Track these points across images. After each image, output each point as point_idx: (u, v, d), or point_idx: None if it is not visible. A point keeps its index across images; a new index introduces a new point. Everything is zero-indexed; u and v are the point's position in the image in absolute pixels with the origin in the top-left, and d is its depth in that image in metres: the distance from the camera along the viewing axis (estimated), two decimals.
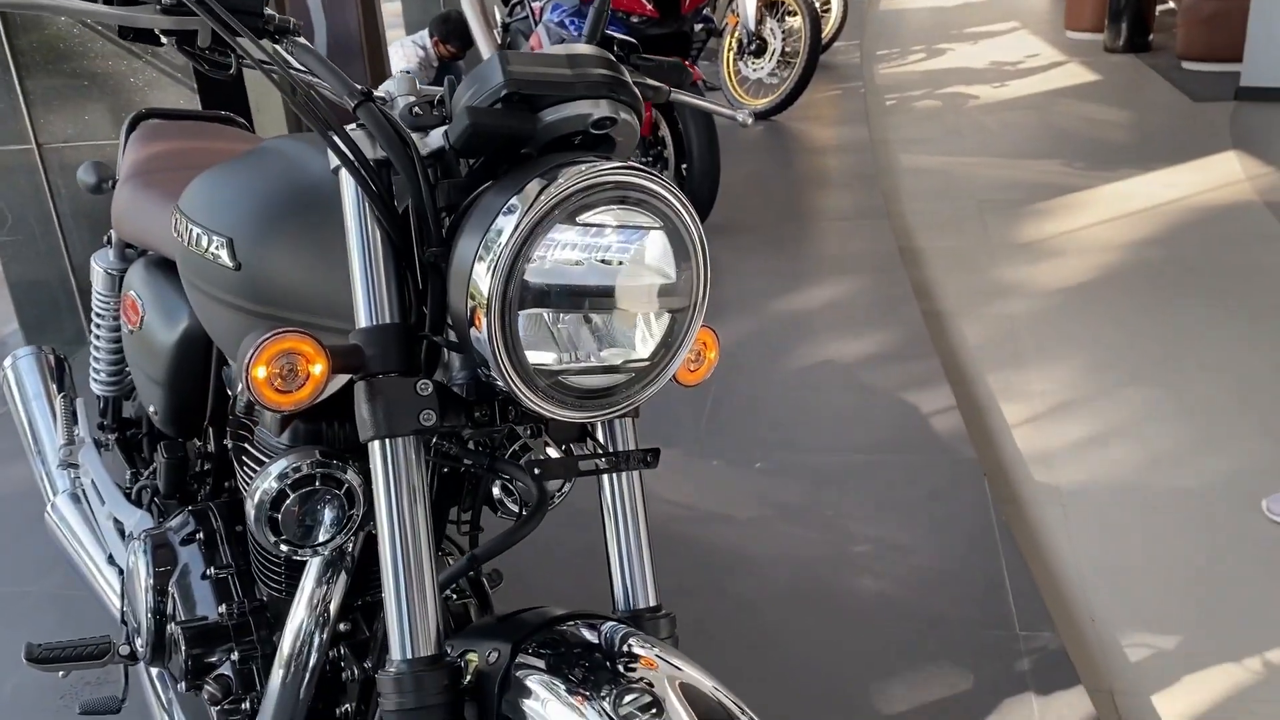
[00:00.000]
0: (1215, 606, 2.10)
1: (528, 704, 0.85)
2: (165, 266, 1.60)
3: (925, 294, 3.71)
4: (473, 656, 0.90)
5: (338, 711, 1.28)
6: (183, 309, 1.47)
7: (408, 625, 0.87)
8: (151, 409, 1.54)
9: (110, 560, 1.68)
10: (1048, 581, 2.21)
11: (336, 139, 0.88)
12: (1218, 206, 4.48)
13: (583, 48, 0.90)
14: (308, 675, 1.18)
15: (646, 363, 0.91)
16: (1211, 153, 5.17)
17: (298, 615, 1.17)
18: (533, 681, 0.86)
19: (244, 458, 1.23)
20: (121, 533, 1.68)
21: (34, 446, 1.89)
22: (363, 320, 0.90)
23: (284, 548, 1.05)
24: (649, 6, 4.03)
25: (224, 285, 1.08)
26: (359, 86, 0.91)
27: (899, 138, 6.07)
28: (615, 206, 0.84)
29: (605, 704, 0.81)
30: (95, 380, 1.88)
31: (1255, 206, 4.43)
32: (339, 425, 1.15)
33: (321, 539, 1.08)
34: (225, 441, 1.50)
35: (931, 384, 2.95)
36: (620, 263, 0.87)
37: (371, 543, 1.22)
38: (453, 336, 0.92)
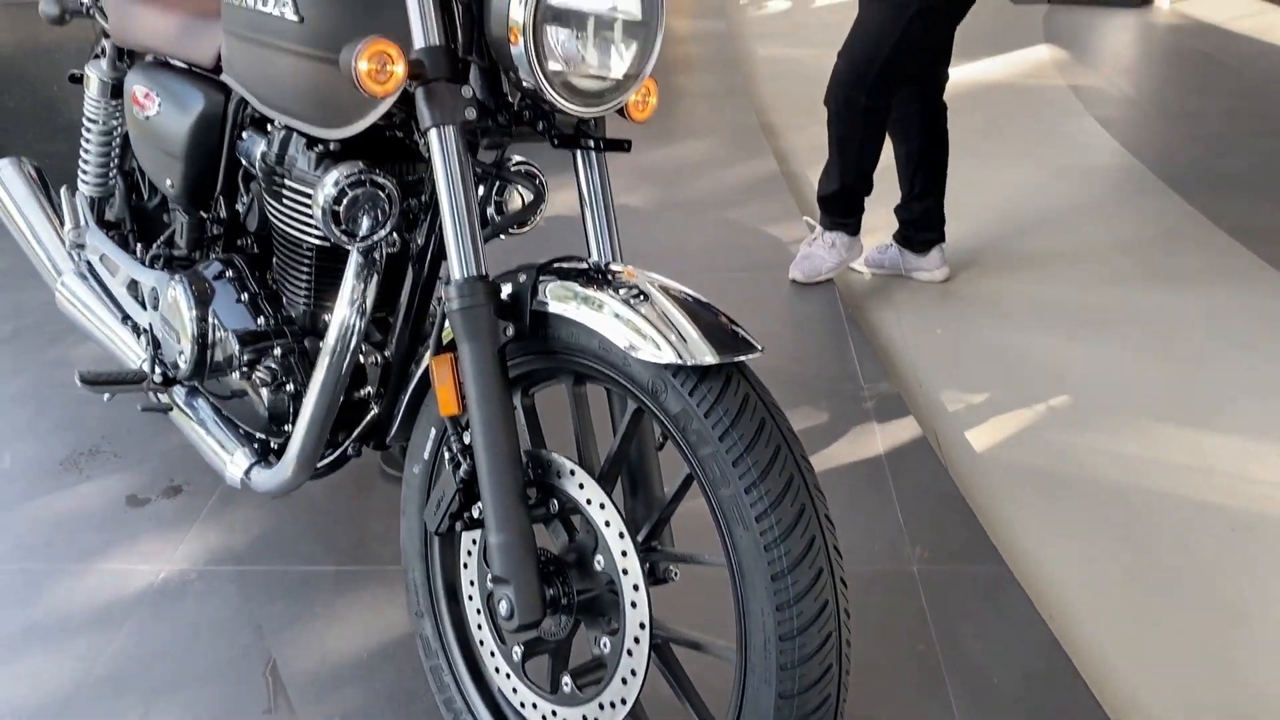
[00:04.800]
0: (1013, 372, 2.66)
1: (554, 299, 1.24)
2: (166, 66, 1.89)
3: (783, 158, 4.20)
4: (507, 285, 1.29)
5: (358, 394, 1.66)
6: (198, 95, 1.77)
7: (464, 253, 1.25)
8: (168, 183, 1.85)
9: (124, 320, 1.98)
10: (886, 360, 2.73)
11: None
12: (1030, 88, 5.11)
13: None
14: (349, 356, 1.54)
15: (621, 78, 1.30)
16: (1027, 46, 5.82)
17: (340, 310, 1.52)
18: (553, 286, 1.25)
19: (283, 194, 1.57)
20: (135, 297, 1.97)
21: (33, 240, 2.14)
22: (418, 42, 1.26)
23: (345, 237, 1.42)
24: None
25: (288, 36, 1.41)
26: None
27: (753, 32, 6.52)
28: None
29: (609, 292, 1.21)
30: (83, 181, 2.15)
31: (1061, 89, 5.08)
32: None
33: (364, 234, 1.45)
34: (238, 206, 1.82)
35: (788, 221, 3.44)
36: (611, 6, 1.25)
37: (392, 260, 1.58)
38: (479, 60, 1.29)
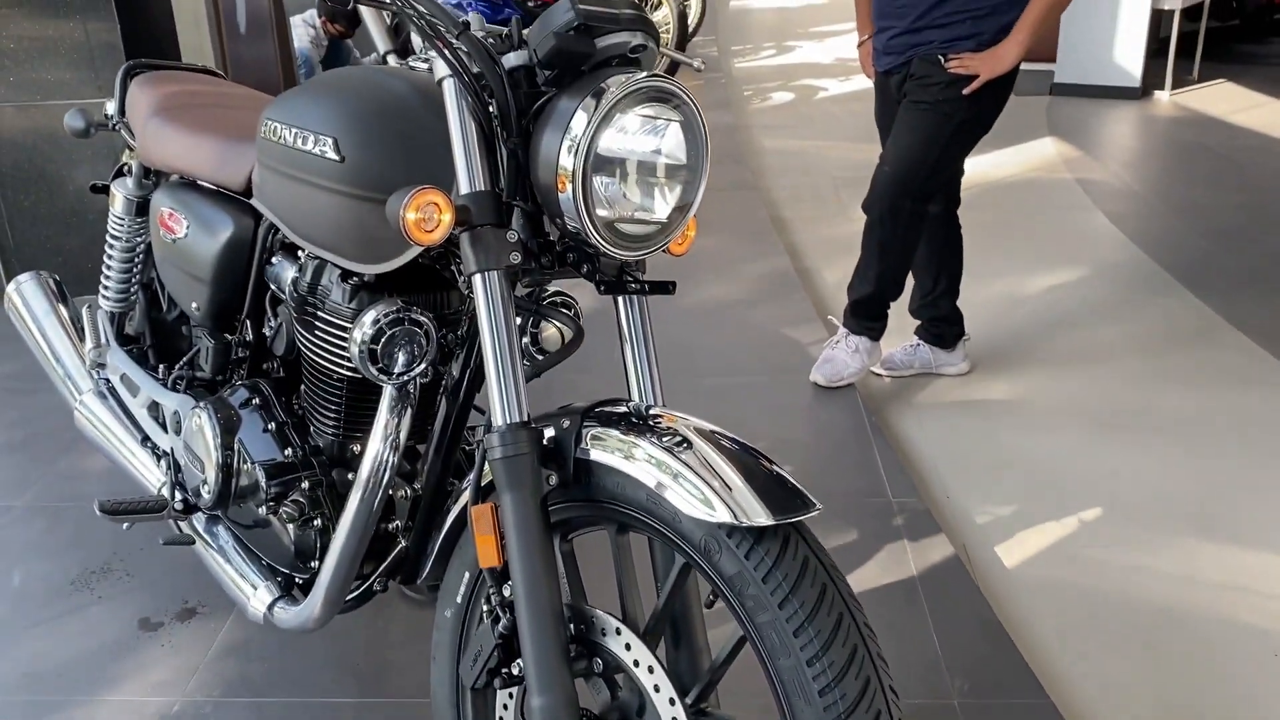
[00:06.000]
0: (1039, 480, 2.62)
1: (598, 448, 1.21)
2: (194, 187, 1.88)
3: (795, 253, 4.20)
4: (549, 430, 1.26)
5: (388, 527, 1.61)
6: (227, 219, 1.76)
7: (507, 399, 1.22)
8: (194, 305, 1.82)
9: (144, 442, 1.94)
10: (910, 468, 2.69)
11: (449, 55, 1.23)
12: (1038, 182, 5.15)
13: None
14: (381, 492, 1.49)
15: (664, 222, 1.28)
16: (1032, 139, 5.88)
17: (373, 444, 1.48)
18: (597, 433, 1.22)
19: (315, 325, 1.54)
20: (156, 418, 1.94)
21: (52, 357, 2.12)
22: (464, 188, 1.24)
23: (381, 375, 1.39)
24: None
25: (328, 175, 1.39)
26: (460, 18, 1.26)
27: (760, 123, 6.60)
28: (653, 104, 1.22)
29: (653, 440, 1.18)
30: (104, 297, 2.12)
31: (1069, 183, 5.12)
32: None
33: (399, 370, 1.42)
34: (264, 330, 1.79)
35: (805, 322, 3.43)
36: (655, 150, 1.24)
37: (425, 391, 1.55)
38: (523, 204, 1.27)
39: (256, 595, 1.66)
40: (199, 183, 1.87)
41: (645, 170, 1.24)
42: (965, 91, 2.72)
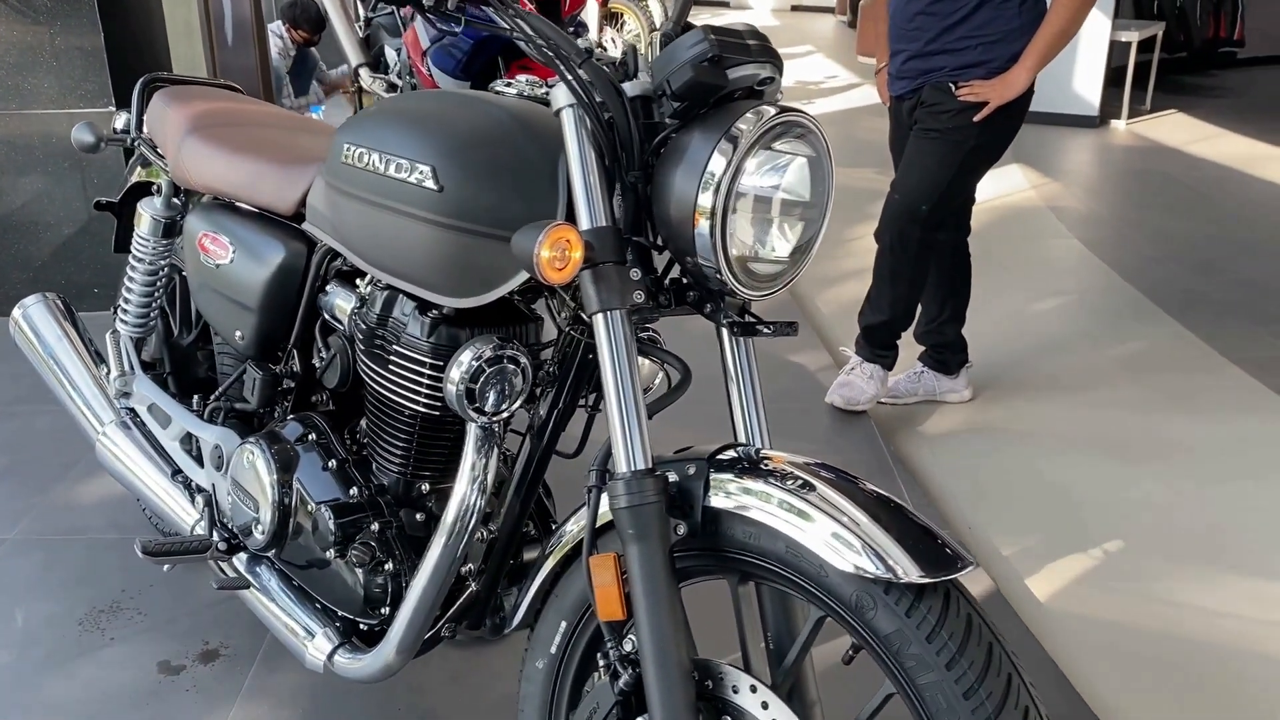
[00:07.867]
0: (1057, 509, 2.62)
1: (727, 496, 1.16)
2: (234, 209, 1.79)
3: None
4: (673, 475, 1.20)
5: (460, 570, 1.54)
6: (278, 244, 1.67)
7: (631, 445, 1.17)
8: (237, 334, 1.73)
9: (174, 476, 1.84)
10: (929, 498, 2.67)
11: (575, 84, 1.17)
12: (1011, 209, 5.22)
13: (742, 25, 1.23)
14: (467, 537, 1.41)
15: (787, 261, 1.24)
16: (999, 165, 5.95)
17: (460, 486, 1.40)
18: (722, 480, 1.17)
19: (389, 360, 1.46)
20: (189, 451, 1.83)
21: (69, 385, 1.99)
22: (585, 223, 1.19)
23: (478, 415, 1.33)
24: (532, 8, 4.31)
25: (422, 204, 1.32)
26: (580, 45, 1.21)
27: None
28: (788, 139, 1.18)
29: (777, 485, 1.13)
30: (123, 321, 2.01)
31: (1041, 210, 5.19)
32: (474, 332, 1.41)
33: (490, 410, 1.35)
34: (315, 360, 1.70)
35: (809, 349, 3.41)
36: (775, 186, 1.19)
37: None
38: (645, 240, 1.22)
39: (314, 643, 1.57)
40: (238, 205, 1.79)
41: (763, 207, 1.20)
42: (976, 119, 2.73)
